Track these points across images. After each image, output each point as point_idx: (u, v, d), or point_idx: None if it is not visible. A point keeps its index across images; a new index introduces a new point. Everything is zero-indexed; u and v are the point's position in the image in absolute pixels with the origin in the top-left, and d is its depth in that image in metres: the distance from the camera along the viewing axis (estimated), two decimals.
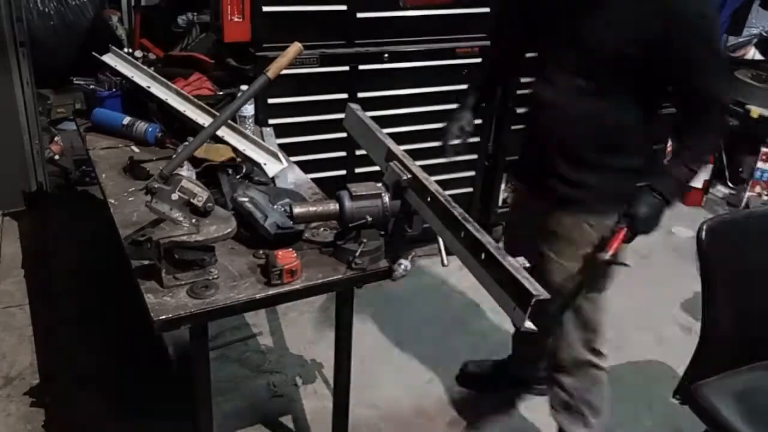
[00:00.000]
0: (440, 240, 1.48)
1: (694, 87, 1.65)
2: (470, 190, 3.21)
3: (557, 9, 1.72)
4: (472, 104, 1.96)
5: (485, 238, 1.33)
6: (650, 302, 3.04)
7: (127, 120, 2.28)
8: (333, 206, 1.58)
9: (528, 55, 1.96)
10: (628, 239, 1.69)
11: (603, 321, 1.92)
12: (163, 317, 1.39)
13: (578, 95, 1.70)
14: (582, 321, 1.90)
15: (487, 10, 2.85)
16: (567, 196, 1.79)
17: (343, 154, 2.87)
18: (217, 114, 2.04)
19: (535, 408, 2.32)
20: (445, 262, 1.51)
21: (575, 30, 1.66)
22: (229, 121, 1.96)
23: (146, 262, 1.51)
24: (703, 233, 1.65)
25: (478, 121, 2.46)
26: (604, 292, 1.89)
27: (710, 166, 3.93)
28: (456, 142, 1.90)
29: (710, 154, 1.82)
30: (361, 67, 2.74)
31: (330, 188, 1.79)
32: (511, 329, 2.72)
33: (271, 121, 2.58)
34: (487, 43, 2.83)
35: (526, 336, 2.18)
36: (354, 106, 1.95)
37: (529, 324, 1.20)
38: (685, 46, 1.57)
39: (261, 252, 1.62)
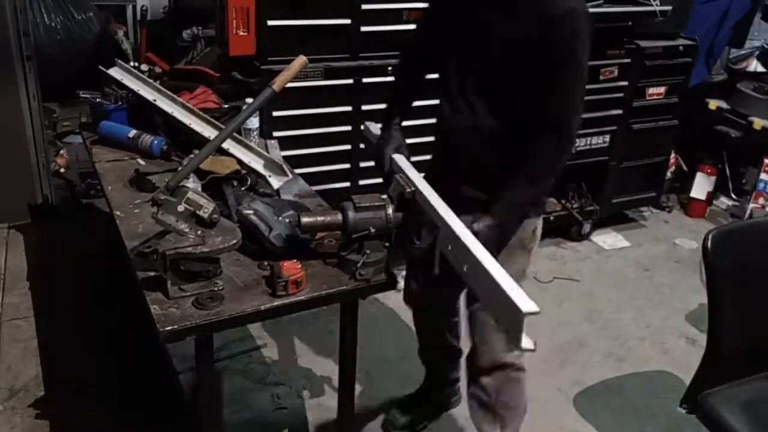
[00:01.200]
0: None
1: (541, 106, 1.61)
2: None
3: (461, 27, 1.72)
4: (399, 123, 1.90)
5: (480, 253, 1.34)
6: (654, 313, 3.03)
7: (132, 133, 2.29)
8: (338, 217, 1.59)
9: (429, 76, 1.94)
10: None
11: None
12: (169, 328, 1.40)
13: (475, 113, 1.71)
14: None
15: None
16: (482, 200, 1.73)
17: (347, 166, 2.88)
18: (223, 127, 2.06)
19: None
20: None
21: (475, 47, 1.67)
22: (234, 134, 1.98)
23: (152, 274, 1.52)
24: (709, 243, 1.65)
25: None
26: None
27: (713, 178, 3.93)
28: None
29: (536, 197, 1.75)
30: (365, 80, 2.76)
31: (335, 200, 1.80)
32: None
33: (276, 134, 2.59)
34: None
35: (443, 354, 2.23)
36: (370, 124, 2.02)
37: (527, 344, 1.19)
38: (548, 57, 1.57)
39: (266, 264, 1.63)
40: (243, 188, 1.98)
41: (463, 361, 2.12)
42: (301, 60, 1.76)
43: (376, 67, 2.77)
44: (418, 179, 1.66)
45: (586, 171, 3.41)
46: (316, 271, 1.63)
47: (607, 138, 3.37)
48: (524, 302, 1.20)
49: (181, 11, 4.92)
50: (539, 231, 1.86)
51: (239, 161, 2.05)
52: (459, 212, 1.56)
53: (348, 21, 2.67)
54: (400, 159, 1.80)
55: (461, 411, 2.29)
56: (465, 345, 2.07)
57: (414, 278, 2.08)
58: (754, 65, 4.21)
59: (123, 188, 2.05)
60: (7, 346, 2.55)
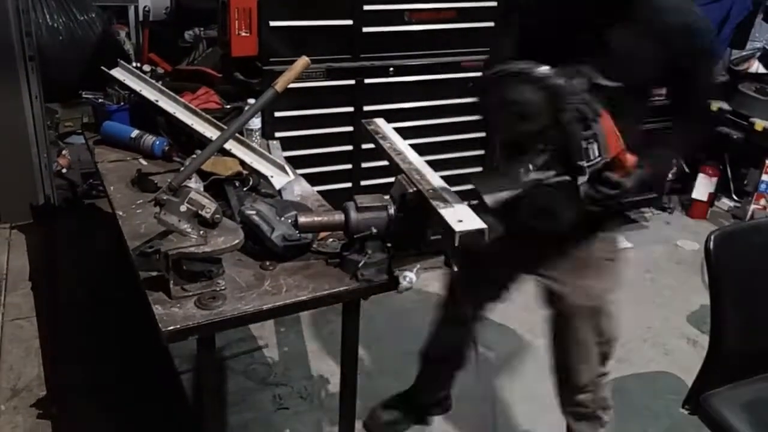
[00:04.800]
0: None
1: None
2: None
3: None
4: None
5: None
6: (656, 315, 3.03)
7: (135, 133, 2.30)
8: (338, 217, 1.59)
9: None
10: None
11: (616, 328, 1.86)
12: (172, 328, 1.40)
13: None
14: (601, 336, 1.82)
15: (491, 24, 2.87)
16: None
17: (349, 166, 2.89)
18: (225, 127, 2.06)
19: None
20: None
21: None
22: (237, 134, 1.98)
23: (154, 274, 1.52)
24: (711, 244, 1.65)
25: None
26: (614, 303, 1.82)
27: (714, 179, 3.93)
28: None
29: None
30: (367, 80, 2.77)
31: (336, 201, 1.80)
32: (515, 341, 2.72)
33: (278, 134, 2.60)
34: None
35: (453, 359, 2.14)
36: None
37: None
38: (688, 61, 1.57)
39: (268, 263, 1.63)
40: (245, 189, 1.99)
41: (465, 375, 2.12)
42: (303, 61, 1.76)
43: (378, 67, 2.77)
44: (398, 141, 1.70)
45: None
46: (317, 271, 1.63)
47: None
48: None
49: (183, 12, 4.93)
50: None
51: (241, 162, 2.05)
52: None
53: (350, 22, 2.68)
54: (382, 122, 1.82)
55: (445, 419, 2.31)
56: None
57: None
58: (756, 66, 4.21)
59: (125, 188, 2.05)
60: (9, 346, 2.55)
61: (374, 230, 1.58)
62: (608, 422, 1.97)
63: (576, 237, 1.71)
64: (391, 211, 1.60)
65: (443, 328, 2.13)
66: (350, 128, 2.82)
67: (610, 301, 1.77)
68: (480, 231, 1.43)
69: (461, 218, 1.47)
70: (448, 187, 1.63)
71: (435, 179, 1.66)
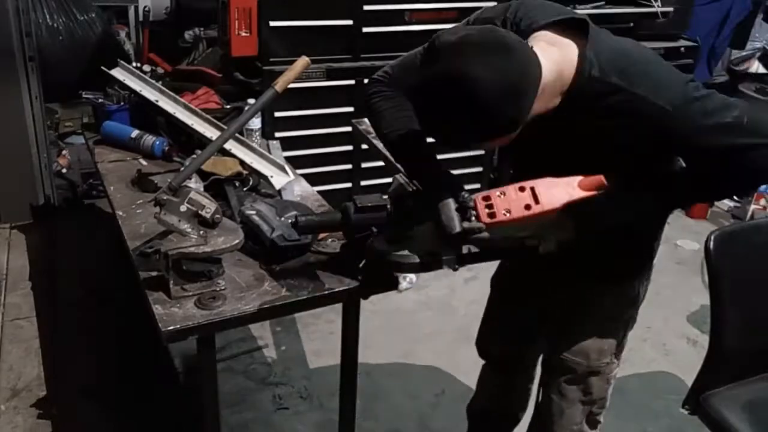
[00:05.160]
0: None
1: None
2: None
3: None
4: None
5: None
6: (656, 315, 3.03)
7: (135, 133, 2.30)
8: (337, 217, 1.59)
9: None
10: None
11: (609, 393, 1.69)
12: (171, 328, 1.40)
13: None
14: (587, 395, 1.65)
15: None
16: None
17: (348, 166, 2.89)
18: (225, 127, 2.06)
19: None
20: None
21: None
22: (237, 134, 1.98)
23: (154, 274, 1.52)
24: (711, 244, 1.65)
25: None
26: (614, 363, 1.65)
27: None
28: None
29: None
30: (366, 80, 2.76)
31: (336, 201, 1.80)
32: None
33: (278, 134, 2.60)
34: None
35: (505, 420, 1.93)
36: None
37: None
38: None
39: (268, 263, 1.63)
40: (245, 189, 1.99)
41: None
42: (303, 61, 1.76)
43: (378, 68, 2.74)
44: None
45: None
46: (317, 271, 1.62)
47: None
48: None
49: (184, 12, 4.94)
50: (642, 296, 1.59)
51: (241, 162, 2.06)
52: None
53: (350, 22, 2.68)
54: None
55: None
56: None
57: (494, 324, 1.82)
58: (756, 66, 4.22)
59: (125, 188, 2.05)
60: (9, 346, 2.56)
61: (374, 230, 1.57)
62: None
63: (578, 286, 1.57)
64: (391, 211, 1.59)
65: (492, 386, 1.93)
66: (350, 128, 2.82)
67: (606, 362, 1.61)
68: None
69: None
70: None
71: None
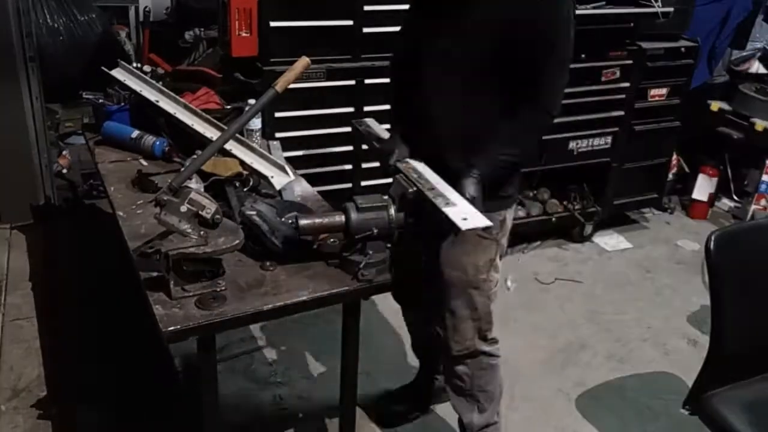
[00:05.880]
0: None
1: (532, 88, 1.67)
2: None
3: (440, 15, 1.74)
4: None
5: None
6: (656, 315, 3.03)
7: (135, 134, 2.30)
8: (339, 218, 1.59)
9: None
10: None
11: (492, 309, 1.94)
12: (172, 328, 1.40)
13: (460, 96, 1.73)
14: (473, 310, 1.91)
15: None
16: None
17: (349, 167, 2.89)
18: (225, 128, 2.06)
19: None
20: None
21: (455, 30, 1.70)
22: (237, 135, 1.98)
23: (155, 274, 1.52)
24: (712, 244, 1.65)
25: None
26: (491, 281, 1.90)
27: (715, 180, 3.93)
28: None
29: (521, 146, 1.77)
30: (367, 81, 2.77)
31: (337, 201, 1.80)
32: (516, 341, 2.72)
33: (278, 135, 2.60)
34: None
35: (433, 347, 2.17)
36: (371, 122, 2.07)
37: None
38: (536, 41, 1.62)
39: (268, 264, 1.63)
40: (245, 189, 1.99)
41: None
42: (303, 61, 1.76)
43: (379, 68, 2.77)
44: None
45: (588, 172, 3.41)
46: (318, 271, 1.63)
47: (609, 139, 3.37)
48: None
49: (184, 12, 4.94)
50: (509, 222, 1.90)
51: (242, 162, 2.05)
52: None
53: (350, 22, 2.68)
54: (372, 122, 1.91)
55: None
56: None
57: (402, 275, 2.04)
58: (756, 67, 4.21)
59: (125, 189, 2.05)
60: (9, 346, 2.56)
61: (375, 230, 1.58)
62: (488, 411, 2.03)
63: None
64: (392, 211, 1.60)
65: (413, 322, 2.31)
66: (350, 129, 2.81)
67: (483, 279, 1.86)
68: (486, 228, 1.50)
69: (465, 216, 1.49)
70: (447, 185, 1.63)
71: (433, 178, 1.67)
